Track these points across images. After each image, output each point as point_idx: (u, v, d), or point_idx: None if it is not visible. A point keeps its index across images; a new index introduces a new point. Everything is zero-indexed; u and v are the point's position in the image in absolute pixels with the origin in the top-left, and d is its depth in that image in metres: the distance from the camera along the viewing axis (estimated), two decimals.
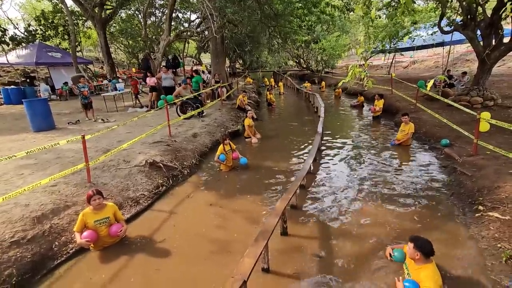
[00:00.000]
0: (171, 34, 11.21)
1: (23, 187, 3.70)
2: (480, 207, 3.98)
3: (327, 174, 5.78)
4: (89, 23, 20.88)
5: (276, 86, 22.15)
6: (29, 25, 16.95)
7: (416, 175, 5.43)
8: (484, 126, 5.31)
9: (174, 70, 17.56)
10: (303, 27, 15.56)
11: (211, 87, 12.47)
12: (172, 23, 16.71)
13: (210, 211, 4.54)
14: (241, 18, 12.02)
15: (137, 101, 11.51)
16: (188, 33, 13.57)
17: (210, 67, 14.56)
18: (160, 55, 11.28)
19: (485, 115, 5.26)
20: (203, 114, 9.54)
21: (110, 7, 17.60)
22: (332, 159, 6.58)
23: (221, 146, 5.99)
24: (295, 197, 4.37)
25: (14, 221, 3.53)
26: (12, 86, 13.65)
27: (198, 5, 11.73)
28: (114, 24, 23.86)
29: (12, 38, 14.36)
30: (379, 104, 9.94)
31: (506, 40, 8.33)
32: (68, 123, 8.53)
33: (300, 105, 15.28)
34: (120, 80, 18.09)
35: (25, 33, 15.97)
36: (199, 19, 15.70)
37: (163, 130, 7.27)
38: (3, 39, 13.02)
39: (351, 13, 14.89)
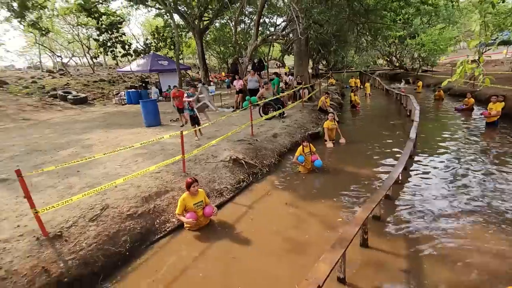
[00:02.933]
0: (258, 39, 11.81)
1: (137, 172, 4.56)
2: None
3: (419, 185, 5.09)
4: (190, 34, 23.95)
5: (362, 87, 20.67)
6: (146, 39, 20.69)
7: None
8: None
9: (259, 73, 18.41)
10: (398, 21, 14.00)
11: (293, 88, 12.56)
12: (259, 28, 17.59)
13: (285, 210, 4.61)
14: (328, 18, 11.69)
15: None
16: (274, 37, 14.03)
17: (293, 69, 14.70)
18: (247, 59, 12.03)
19: None
20: (284, 115, 9.72)
21: (207, 18, 19.77)
22: (426, 170, 5.75)
23: (300, 148, 5.99)
24: (379, 208, 4.01)
25: (129, 198, 4.37)
26: (132, 89, 16.91)
27: (284, 8, 11.99)
28: (209, 33, 26.65)
29: (135, 51, 17.80)
30: (496, 107, 8.11)
31: None
32: (171, 121, 10.00)
33: (389, 107, 13.85)
34: (211, 83, 20.12)
35: (143, 46, 19.55)
36: (285, 22, 16.03)
37: (247, 129, 7.73)
38: (128, 51, 16.26)
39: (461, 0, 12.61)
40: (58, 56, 27.39)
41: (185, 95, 7.41)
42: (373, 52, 27.37)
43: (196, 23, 18.09)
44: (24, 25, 13.49)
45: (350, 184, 5.35)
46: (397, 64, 26.71)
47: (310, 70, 22.85)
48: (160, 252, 3.79)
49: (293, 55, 17.47)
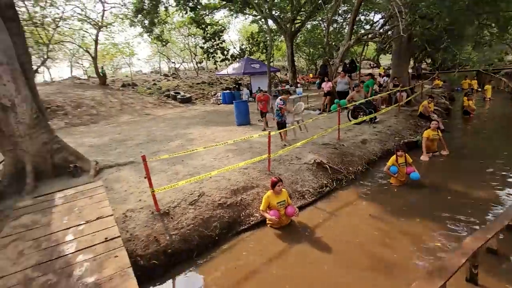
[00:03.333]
0: (352, 39, 11.21)
1: (228, 166, 5.05)
2: None
3: None
4: (281, 38, 24.68)
5: (479, 89, 17.07)
6: (242, 44, 22.45)
7: None
8: None
9: (350, 75, 17.50)
10: None
11: (388, 91, 11.42)
12: (354, 27, 16.65)
13: (370, 223, 4.29)
14: (439, 10, 10.11)
15: (265, 122, 9.11)
16: (370, 36, 13.05)
17: (388, 69, 13.35)
18: (338, 61, 11.60)
19: None
20: (376, 120, 8.97)
21: (299, 21, 19.95)
22: None
23: (393, 157, 5.44)
24: (496, 239, 3.29)
25: (221, 189, 4.88)
26: (227, 91, 18.64)
27: (384, 4, 11.00)
28: (300, 36, 26.80)
29: (232, 56, 19.58)
30: None
31: None
32: (258, 121, 10.59)
33: None
34: (299, 85, 20.24)
35: (239, 51, 21.27)
36: (383, 19, 14.71)
37: (333, 133, 7.50)
38: (226, 57, 18.02)
39: None
40: (172, 62, 32.58)
41: (279, 101, 7.32)
42: (498, 46, 22.15)
43: (288, 26, 18.49)
44: (151, 38, 16.63)
45: (454, 205, 4.56)
46: None
47: (410, 70, 20.27)
48: (243, 242, 4.10)
49: (390, 54, 15.86)
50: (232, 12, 17.40)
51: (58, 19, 14.73)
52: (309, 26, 25.44)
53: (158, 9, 13.78)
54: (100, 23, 16.40)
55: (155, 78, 24.85)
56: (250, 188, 5.06)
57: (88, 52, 18.61)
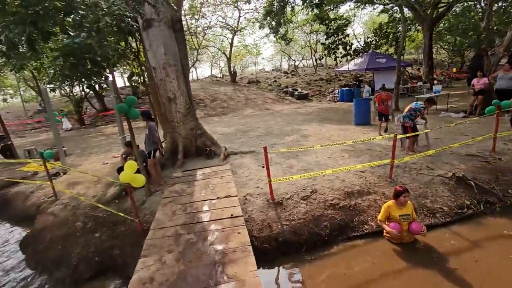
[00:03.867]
0: None
1: (343, 167, 4.84)
2: None
3: None
4: (417, 26, 21.26)
5: None
6: (368, 37, 20.72)
7: None
8: None
9: None
10: None
11: None
12: None
13: None
14: None
15: (380, 127, 7.93)
16: None
17: None
18: (502, 49, 8.96)
19: None
20: None
21: (444, 4, 16.57)
22: None
23: None
24: None
25: (334, 189, 4.75)
26: (346, 88, 17.74)
27: None
28: (444, 22, 22.25)
29: (355, 51, 18.42)
30: None
31: None
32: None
33: None
34: (435, 81, 16.99)
35: (363, 45, 19.75)
36: None
37: (484, 142, 5.93)
38: (349, 52, 17.11)
39: None
40: (292, 60, 33.82)
41: (414, 105, 6.19)
42: None
43: (429, 12, 15.68)
44: (276, 38, 17.75)
45: None
46: None
47: None
48: (355, 250, 3.87)
49: None
50: (359, 4, 16.27)
51: (206, 28, 17.86)
52: (457, 9, 20.77)
53: (285, 10, 14.50)
54: (236, 28, 18.79)
55: (275, 76, 26.47)
56: (367, 194, 4.70)
57: (225, 53, 21.73)
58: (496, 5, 16.63)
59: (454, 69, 24.15)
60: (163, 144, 6.92)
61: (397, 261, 3.56)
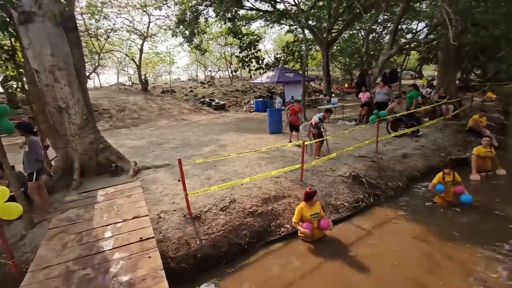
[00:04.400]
0: (393, 48, 10.72)
1: (260, 174, 4.99)
2: None
3: None
4: (316, 47, 24.50)
5: None
6: (277, 53, 22.67)
7: None
8: None
9: (389, 85, 16.74)
10: None
11: (433, 103, 10.65)
12: (395, 36, 15.93)
13: (413, 245, 3.93)
14: (495, 17, 9.31)
15: (291, 136, 8.31)
16: (413, 45, 12.38)
17: (432, 80, 12.50)
18: (377, 70, 11.13)
19: None
20: (419, 134, 8.36)
21: (335, 30, 19.65)
22: None
23: (439, 174, 4.99)
24: None
25: (252, 197, 4.82)
26: (260, 99, 18.80)
27: (430, 11, 10.39)
28: (336, 45, 26.37)
29: (266, 65, 19.82)
30: None
31: None
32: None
33: None
34: (333, 95, 19.78)
35: (274, 60, 21.48)
36: (428, 28, 13.88)
37: (370, 145, 7.12)
38: (261, 65, 18.28)
39: None
40: (208, 71, 33.89)
41: (316, 119, 6.87)
42: None
43: (324, 36, 18.28)
44: (190, 47, 17.47)
45: (510, 232, 4.01)
46: None
47: (457, 82, 18.79)
48: (274, 254, 3.98)
49: (434, 64, 14.86)
50: (268, 23, 17.68)
51: (110, 30, 16.11)
52: (346, 35, 24.96)
53: (198, 20, 14.46)
54: (145, 34, 17.61)
55: (192, 86, 25.94)
56: (282, 198, 4.94)
57: (134, 60, 20.03)
58: (371, 35, 20.71)
59: (346, 85, 28.73)
60: (53, 162, 5.73)
61: (311, 257, 3.82)
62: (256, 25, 29.05)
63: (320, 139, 6.57)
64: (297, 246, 4.13)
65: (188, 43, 15.47)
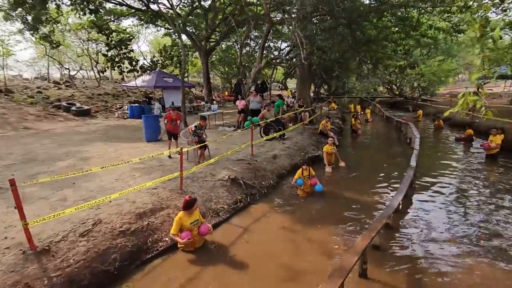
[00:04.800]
0: (262, 62, 12.11)
1: (133, 187, 4.48)
2: None
3: (419, 215, 4.99)
4: (196, 54, 24.70)
5: (362, 112, 20.94)
6: (153, 56, 21.26)
7: None
8: None
9: (261, 94, 18.77)
10: (399, 52, 14.47)
11: (295, 111, 12.71)
12: (264, 52, 18.13)
13: (283, 235, 4.48)
14: (331, 45, 12.09)
15: (170, 145, 7.75)
16: (278, 60, 14.40)
17: (295, 92, 15.04)
18: (250, 80, 12.27)
19: None
20: (285, 137, 9.74)
21: (214, 40, 20.41)
22: (427, 199, 5.67)
23: (299, 171, 5.94)
24: (378, 237, 3.89)
25: (123, 214, 4.26)
26: (136, 104, 17.10)
27: (289, 34, 12.45)
28: (215, 54, 27.46)
29: (141, 67, 18.23)
30: (496, 140, 8.16)
31: None
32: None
33: (390, 134, 13.93)
34: (214, 102, 20.41)
35: (150, 63, 20.04)
36: (289, 47, 16.55)
37: (247, 149, 7.71)
38: (135, 67, 16.65)
39: (460, 35, 13.08)
40: (66, 69, 28.01)
41: (192, 126, 6.88)
42: (374, 79, 28.08)
43: (203, 44, 18.66)
44: (36, 38, 13.90)
45: (349, 210, 5.25)
46: (397, 93, 27.29)
47: (311, 94, 23.28)
48: (152, 273, 3.63)
49: (295, 78, 17.88)
50: (142, 22, 16.42)
51: None
52: (223, 46, 26.39)
53: (46, 5, 11.68)
54: None
55: (40, 85, 20.75)
56: (160, 210, 4.60)
57: None
58: (245, 49, 22.78)
59: (226, 93, 30.33)
60: None
61: (192, 268, 3.70)
62: (128, 23, 26.40)
63: (200, 145, 6.58)
64: (178, 258, 3.92)
65: (32, 32, 12.23)
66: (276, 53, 23.13)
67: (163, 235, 4.20)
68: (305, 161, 6.18)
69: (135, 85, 17.01)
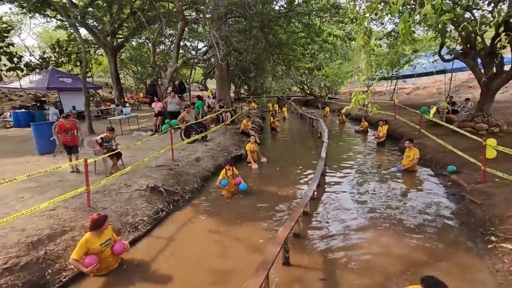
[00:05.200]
0: (179, 61, 11.62)
1: (21, 211, 3.66)
2: (493, 238, 3.79)
3: (331, 200, 5.64)
4: (101, 51, 21.93)
5: (280, 111, 22.45)
6: (44, 52, 17.88)
7: (424, 203, 5.27)
8: (491, 153, 5.22)
9: (180, 95, 18.02)
10: (306, 55, 16.08)
11: (216, 112, 12.68)
12: (180, 51, 17.44)
13: (210, 238, 4.39)
14: (246, 47, 12.51)
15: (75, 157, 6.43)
16: (195, 61, 14.07)
17: (215, 92, 15.01)
18: (166, 81, 11.62)
19: (491, 141, 5.18)
20: (207, 139, 9.60)
21: (121, 36, 18.51)
22: (336, 185, 6.46)
23: (223, 171, 5.95)
24: (298, 225, 4.22)
25: (8, 246, 3.44)
26: (22, 110, 14.07)
27: (205, 34, 12.29)
28: (125, 52, 24.96)
29: (27, 65, 15.06)
30: (383, 130, 9.93)
31: (506, 68, 8.45)
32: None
33: (304, 130, 15.36)
34: (127, 104, 18.57)
35: (40, 60, 16.78)
36: (206, 47, 16.38)
37: (167, 154, 7.28)
38: (18, 65, 13.65)
39: (353, 42, 15.40)
40: None
41: (98, 138, 6.04)
42: (288, 80, 30.52)
43: (109, 40, 16.72)
44: None
45: (274, 204, 5.53)
46: (308, 92, 30.33)
47: (232, 94, 23.68)
48: None
49: (215, 79, 17.86)
50: (24, 10, 13.57)
51: None
52: (134, 43, 24.25)
53: None
54: None
55: None
56: (61, 234, 3.90)
57: None
58: (159, 48, 21.42)
59: (141, 94, 27.99)
60: None
61: None
62: (4, 10, 21.46)
63: (111, 153, 5.83)
64: (89, 286, 3.39)
65: None
66: (193, 52, 22.57)
67: (67, 263, 3.56)
68: (228, 161, 6.21)
69: (19, 87, 13.98)
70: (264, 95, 33.94)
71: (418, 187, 6.13)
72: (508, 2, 7.23)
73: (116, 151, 6.02)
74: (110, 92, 27.08)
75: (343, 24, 13.48)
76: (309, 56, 16.44)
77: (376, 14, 3.53)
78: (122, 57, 25.57)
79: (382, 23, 11.87)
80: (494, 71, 8.29)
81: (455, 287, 2.67)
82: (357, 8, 5.28)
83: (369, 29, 5.24)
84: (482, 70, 8.78)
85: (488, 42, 8.29)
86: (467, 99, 11.81)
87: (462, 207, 4.90)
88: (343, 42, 15.05)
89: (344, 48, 20.43)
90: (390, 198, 5.60)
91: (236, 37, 11.70)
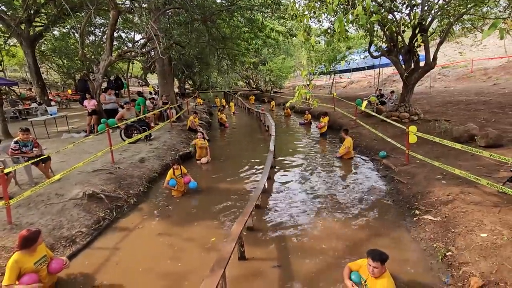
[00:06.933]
0: (113, 54, 10.60)
1: None
2: (417, 211, 4.40)
3: (281, 191, 5.85)
4: (14, 41, 18.73)
5: (227, 106, 22.33)
6: None
7: (361, 186, 5.83)
8: (412, 138, 6.02)
9: (116, 92, 16.53)
10: (251, 50, 16.20)
11: (159, 108, 11.98)
12: (115, 43, 15.94)
13: (160, 242, 4.17)
14: (188, 40, 12.02)
15: None
16: (132, 54, 12.99)
17: (158, 88, 14.14)
18: (100, 76, 10.48)
19: (413, 128, 5.97)
20: (151, 137, 9.02)
21: (40, 24, 16.09)
22: (285, 176, 6.71)
23: (170, 171, 5.68)
24: (251, 219, 4.28)
25: None
26: None
27: (142, 25, 11.41)
28: (46, 43, 21.79)
29: None
30: (324, 121, 10.65)
31: (422, 64, 9.80)
32: None
33: (252, 124, 15.57)
34: (53, 103, 16.34)
35: None
36: (144, 40, 15.26)
37: (105, 156, 6.63)
38: None
39: (294, 38, 16.05)
40: None
41: (13, 144, 5.10)
42: (234, 74, 30.45)
43: (23, 28, 14.35)
44: None
45: (226, 200, 5.49)
46: (254, 86, 30.78)
47: (176, 90, 22.64)
48: None
49: (156, 73, 16.81)
50: None
51: None
52: (57, 32, 21.34)
53: None
54: None
55: None
56: None
57: None
58: (88, 39, 19.20)
59: (70, 91, 24.89)
60: None
61: None
62: None
63: (35, 160, 5.05)
64: None
65: None
66: (130, 45, 20.82)
67: None
68: (176, 160, 5.94)
69: None
70: (210, 90, 33.30)
71: (357, 172, 6.76)
72: (421, 7, 8.33)
73: (42, 156, 5.23)
74: (30, 89, 23.48)
75: (284, 20, 13.90)
76: (253, 51, 16.59)
77: (314, 13, 3.72)
78: (43, 48, 22.25)
79: (320, 21, 12.63)
80: (413, 66, 9.54)
81: (391, 257, 3.03)
82: (297, 5, 5.48)
83: (308, 26, 5.51)
84: (403, 66, 10.02)
85: (407, 41, 9.47)
86: (392, 92, 13.38)
87: (392, 187, 5.57)
88: (285, 38, 15.57)
89: (286, 44, 21.17)
90: (333, 184, 6.07)
91: (177, 30, 11.12)
